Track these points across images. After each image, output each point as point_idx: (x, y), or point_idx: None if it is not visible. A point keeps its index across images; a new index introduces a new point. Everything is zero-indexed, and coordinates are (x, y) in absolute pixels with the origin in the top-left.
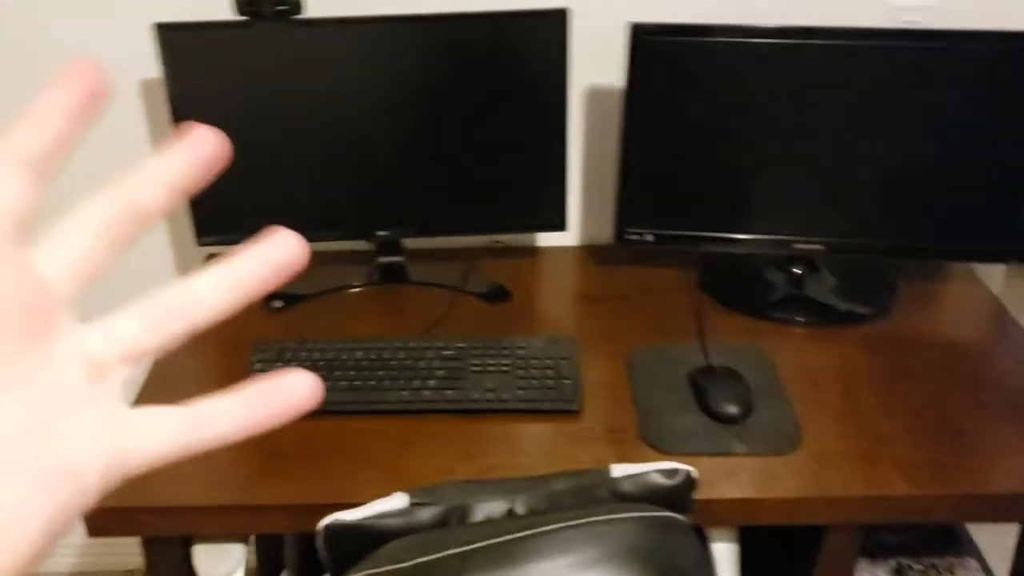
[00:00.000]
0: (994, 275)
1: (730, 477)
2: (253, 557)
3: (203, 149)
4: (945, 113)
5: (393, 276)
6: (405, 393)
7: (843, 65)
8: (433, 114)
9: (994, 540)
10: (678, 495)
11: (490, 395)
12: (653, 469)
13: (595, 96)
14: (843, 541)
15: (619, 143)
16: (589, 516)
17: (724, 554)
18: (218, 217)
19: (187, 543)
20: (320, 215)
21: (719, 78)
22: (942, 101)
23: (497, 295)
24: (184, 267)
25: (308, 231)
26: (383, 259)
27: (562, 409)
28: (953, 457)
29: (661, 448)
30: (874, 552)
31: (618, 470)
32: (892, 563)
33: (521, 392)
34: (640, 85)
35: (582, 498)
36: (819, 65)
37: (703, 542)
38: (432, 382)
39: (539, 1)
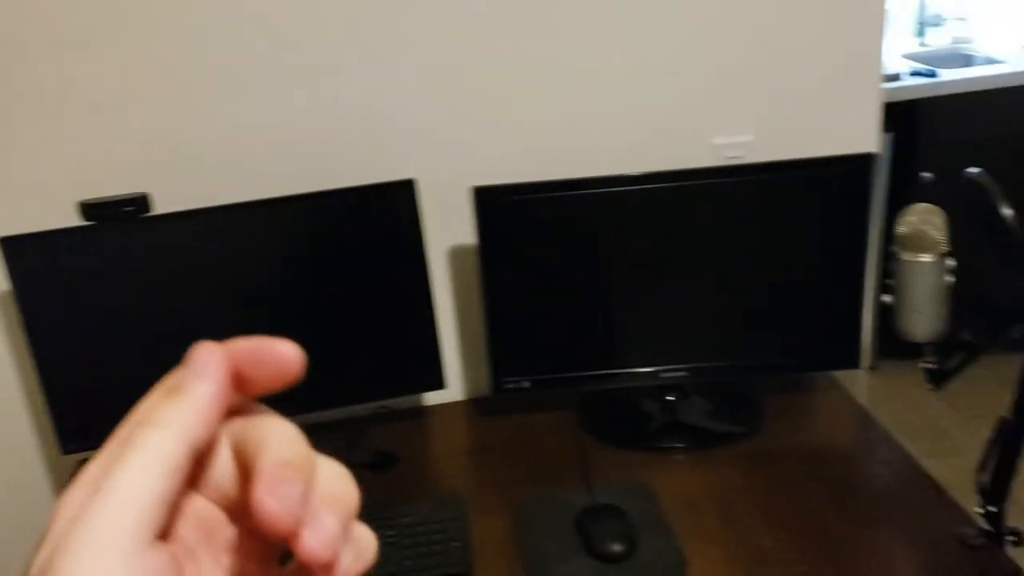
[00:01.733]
0: (859, 381)
1: None
2: None
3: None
4: (777, 237)
5: None
6: None
7: (677, 203)
8: (298, 293)
9: None
10: None
11: (376, 570)
12: None
13: (459, 255)
14: None
15: (481, 298)
16: None
17: None
18: (82, 423)
19: None
20: None
21: (563, 227)
22: (772, 226)
23: (384, 462)
24: (57, 476)
25: None
26: None
27: (451, 574)
28: (831, 567)
29: None
30: None
31: None
32: None
33: (408, 563)
34: (491, 242)
35: None
36: (655, 205)
37: None
38: None
39: (384, 174)
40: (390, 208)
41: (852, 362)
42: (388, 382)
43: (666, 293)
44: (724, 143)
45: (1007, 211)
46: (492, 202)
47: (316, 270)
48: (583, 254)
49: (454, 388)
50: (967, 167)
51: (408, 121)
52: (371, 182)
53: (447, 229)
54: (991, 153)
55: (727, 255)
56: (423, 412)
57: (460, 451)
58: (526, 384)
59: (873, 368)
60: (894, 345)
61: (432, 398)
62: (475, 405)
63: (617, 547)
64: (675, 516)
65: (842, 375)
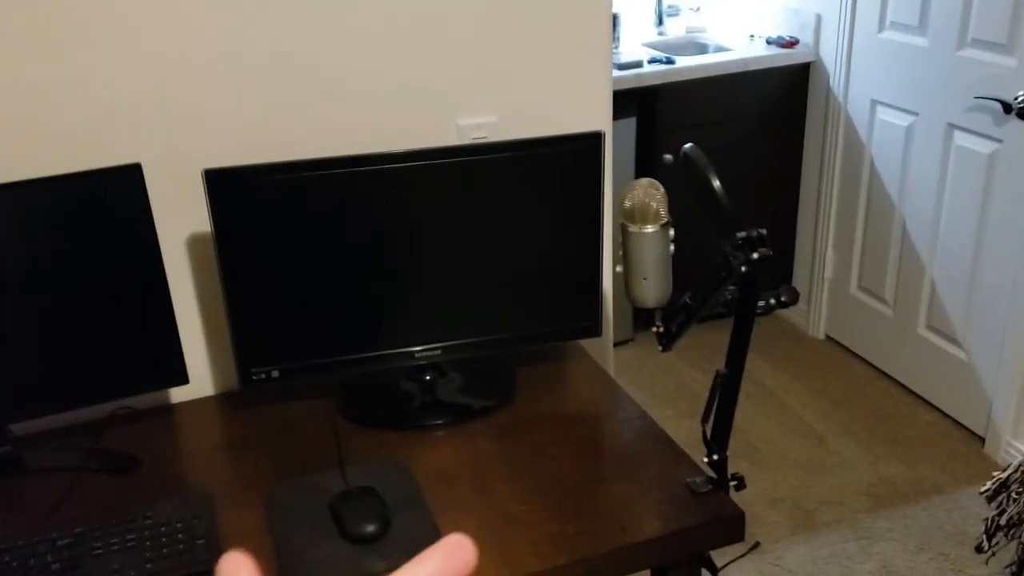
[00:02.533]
0: (607, 349)
1: None
2: None
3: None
4: (521, 213)
5: (6, 468)
6: None
7: (423, 182)
8: (20, 290)
9: None
10: None
11: None
12: None
13: (199, 243)
14: None
15: (221, 287)
16: None
17: None
18: None
19: None
20: None
21: (304, 209)
22: (516, 203)
23: (124, 466)
24: None
25: None
26: None
27: (196, 572)
28: (574, 524)
29: None
30: None
31: None
32: None
33: (150, 566)
34: (227, 227)
35: None
36: (400, 185)
37: None
38: None
39: (106, 159)
40: (116, 195)
41: (594, 331)
42: (125, 380)
43: (416, 272)
44: (469, 124)
45: (716, 182)
46: (226, 185)
47: (39, 264)
48: (327, 236)
49: (203, 383)
50: (703, 145)
51: (134, 104)
52: (94, 167)
53: (186, 215)
54: (723, 132)
55: (474, 232)
56: (170, 410)
57: (209, 448)
58: (275, 374)
59: (631, 340)
60: (651, 317)
61: (179, 395)
62: (227, 399)
63: (370, 528)
64: (431, 492)
65: (594, 345)
